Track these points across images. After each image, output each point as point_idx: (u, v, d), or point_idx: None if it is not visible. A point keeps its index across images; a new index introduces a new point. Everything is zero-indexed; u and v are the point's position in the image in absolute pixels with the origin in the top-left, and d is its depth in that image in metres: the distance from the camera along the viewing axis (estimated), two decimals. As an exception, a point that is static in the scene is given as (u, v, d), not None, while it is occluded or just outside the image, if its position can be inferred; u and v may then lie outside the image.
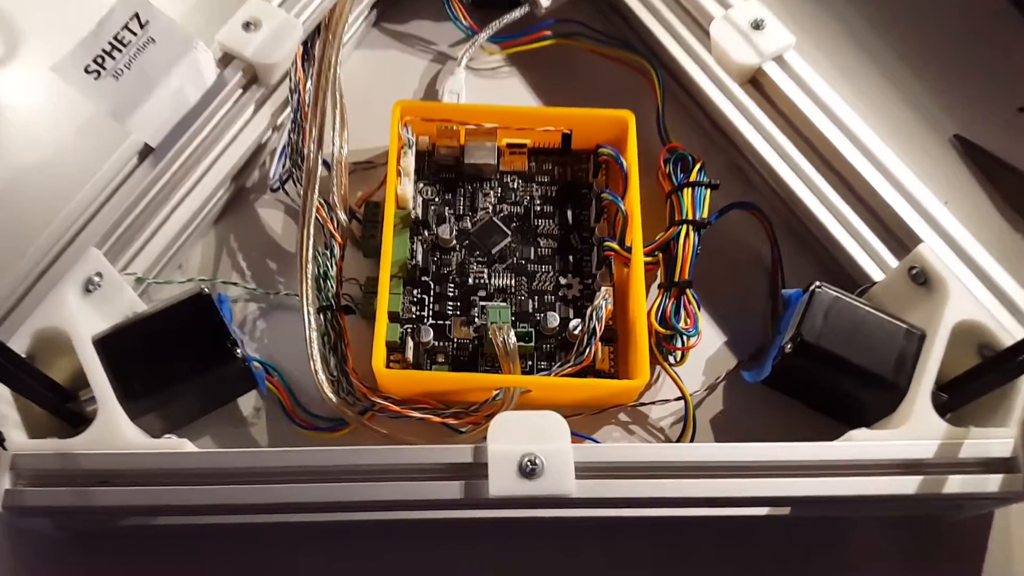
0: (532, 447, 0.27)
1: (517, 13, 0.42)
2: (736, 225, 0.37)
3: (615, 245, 0.35)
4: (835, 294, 0.31)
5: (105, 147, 0.34)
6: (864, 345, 0.30)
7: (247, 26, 0.35)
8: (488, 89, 0.43)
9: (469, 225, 0.37)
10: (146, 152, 0.33)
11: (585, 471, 0.27)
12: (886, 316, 0.31)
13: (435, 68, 0.44)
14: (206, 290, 0.31)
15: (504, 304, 0.34)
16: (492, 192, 0.38)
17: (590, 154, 0.39)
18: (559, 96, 0.42)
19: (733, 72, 0.37)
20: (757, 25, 0.37)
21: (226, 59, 0.35)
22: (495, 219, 0.37)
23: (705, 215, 0.35)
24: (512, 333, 0.32)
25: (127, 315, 0.31)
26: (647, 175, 0.36)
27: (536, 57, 0.43)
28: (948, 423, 0.28)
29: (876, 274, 0.34)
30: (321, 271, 0.34)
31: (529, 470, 0.26)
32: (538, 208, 0.38)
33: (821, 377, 0.31)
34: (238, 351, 0.30)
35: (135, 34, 0.32)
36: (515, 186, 0.38)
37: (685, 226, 0.34)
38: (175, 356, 0.30)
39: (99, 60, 0.31)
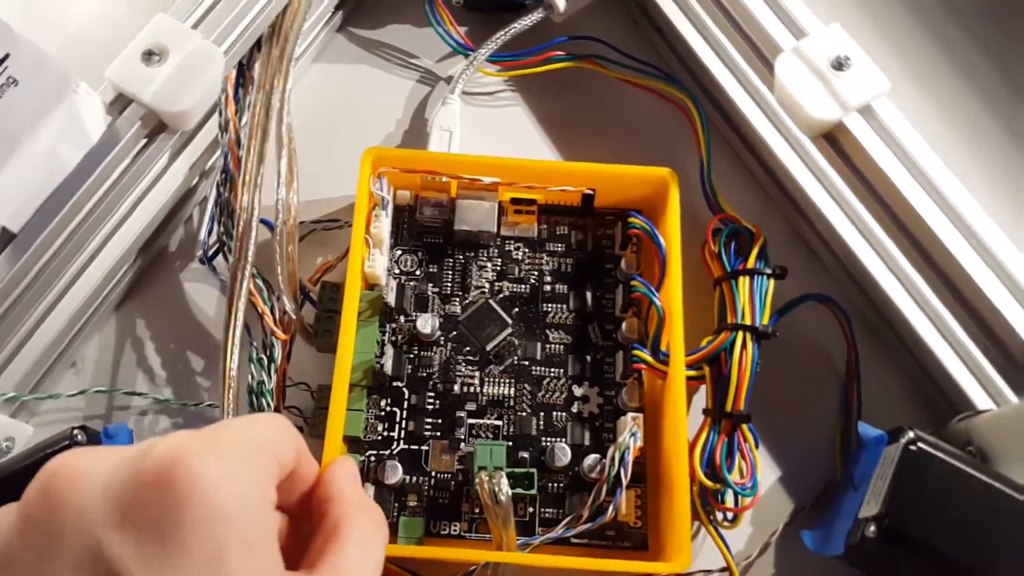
0: None
1: (528, 21, 0.33)
2: (799, 313, 0.29)
3: (647, 356, 0.26)
4: (936, 454, 0.23)
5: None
6: (974, 531, 0.22)
7: (148, 57, 0.25)
8: (483, 119, 0.34)
9: (459, 309, 0.29)
10: (6, 239, 0.24)
11: None
12: (1008, 490, 0.23)
13: (421, 90, 0.34)
14: (79, 434, 0.22)
15: (497, 443, 0.26)
16: (490, 264, 0.30)
17: (616, 217, 0.30)
18: (574, 131, 0.34)
19: (803, 124, 0.29)
20: (840, 64, 0.28)
21: (120, 103, 0.26)
22: (492, 302, 0.29)
23: (767, 318, 0.27)
24: (506, 482, 0.24)
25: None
26: (688, 243, 0.28)
27: (545, 79, 0.34)
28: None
29: (983, 401, 0.26)
30: (255, 382, 0.25)
31: None
32: (548, 288, 0.29)
33: (915, 571, 0.23)
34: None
35: None
36: (519, 256, 0.30)
37: (741, 333, 0.26)
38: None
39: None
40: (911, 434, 0.24)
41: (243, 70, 0.29)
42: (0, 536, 0.16)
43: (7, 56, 0.23)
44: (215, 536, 0.15)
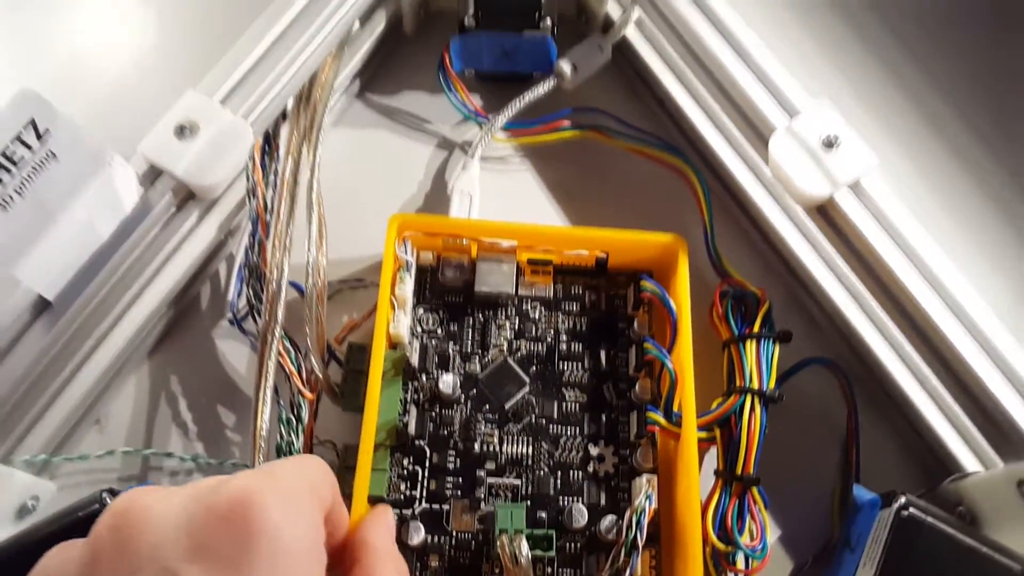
0: None
1: (540, 90, 0.35)
2: (800, 374, 0.30)
3: (660, 419, 0.28)
4: (927, 519, 0.25)
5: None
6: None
7: (181, 131, 0.27)
8: (497, 183, 0.35)
9: (478, 368, 0.30)
10: (41, 306, 0.25)
11: None
12: (994, 555, 0.25)
13: (438, 154, 0.36)
14: (108, 498, 0.22)
15: (517, 505, 0.27)
16: (508, 323, 0.31)
17: (628, 278, 0.32)
18: (583, 196, 0.35)
19: (796, 197, 0.31)
20: (830, 143, 0.31)
21: (152, 174, 0.27)
22: (510, 360, 0.30)
23: (773, 382, 0.28)
24: (526, 544, 0.25)
25: (12, 513, 0.23)
26: (696, 304, 0.29)
27: (555, 146, 0.35)
28: None
29: (972, 463, 0.28)
30: (284, 442, 0.26)
31: None
32: (564, 347, 0.31)
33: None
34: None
35: (30, 148, 0.23)
36: (536, 315, 0.31)
37: (750, 397, 0.28)
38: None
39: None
40: (903, 499, 0.25)
41: (269, 138, 0.30)
42: (68, 572, 0.16)
43: (47, 131, 0.24)
44: (282, 571, 0.16)
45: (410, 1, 0.36)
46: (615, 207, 0.35)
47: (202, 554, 0.15)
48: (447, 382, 0.29)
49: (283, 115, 0.31)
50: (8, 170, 0.22)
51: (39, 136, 0.24)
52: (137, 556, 0.16)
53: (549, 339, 0.31)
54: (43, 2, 0.38)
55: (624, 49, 0.36)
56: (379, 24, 0.36)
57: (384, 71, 0.37)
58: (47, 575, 0.16)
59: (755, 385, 0.28)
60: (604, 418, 0.29)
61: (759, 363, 0.28)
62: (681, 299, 0.29)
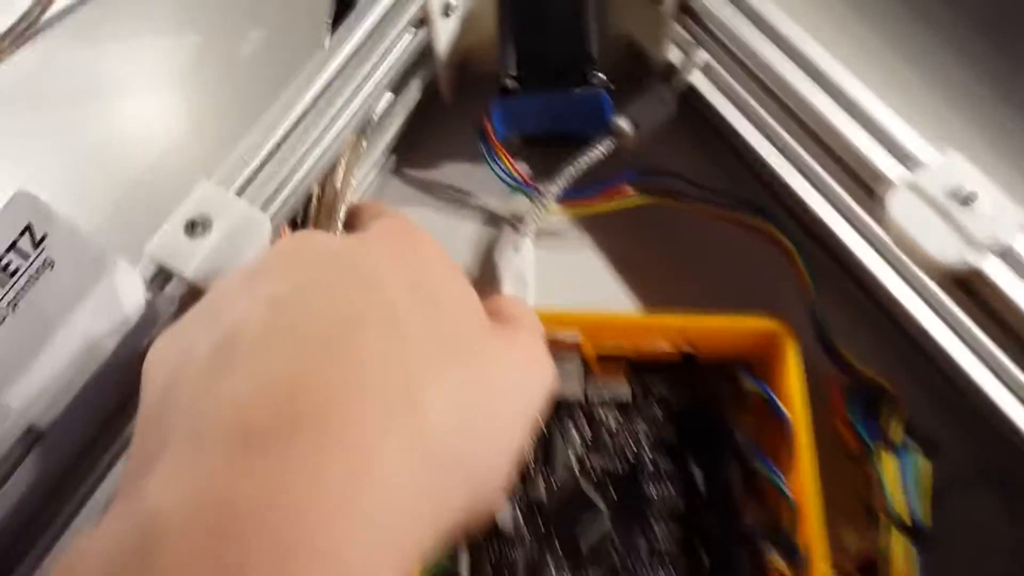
0: None
1: (598, 153, 0.30)
2: (952, 495, 0.24)
3: (781, 564, 0.22)
4: None
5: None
6: None
7: (192, 228, 0.23)
8: (554, 262, 0.31)
9: (542, 492, 0.25)
10: (33, 438, 0.21)
11: None
12: None
13: (484, 231, 0.32)
14: None
15: None
16: (577, 435, 0.26)
17: (719, 374, 0.26)
18: (653, 272, 0.30)
19: (927, 267, 0.25)
20: (966, 199, 0.25)
21: (161, 278, 0.23)
22: (583, 483, 0.25)
23: (926, 511, 0.22)
24: None
25: None
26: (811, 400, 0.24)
27: (615, 215, 0.30)
28: None
29: None
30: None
31: None
32: (649, 464, 0.25)
33: None
34: None
35: (27, 258, 0.20)
36: (611, 423, 0.26)
37: (897, 535, 0.21)
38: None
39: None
40: None
41: (295, 227, 0.27)
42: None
43: (44, 237, 0.21)
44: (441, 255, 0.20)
45: (446, 67, 0.32)
46: (696, 284, 0.30)
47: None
48: (505, 516, 0.23)
49: (309, 200, 0.27)
50: (2, 283, 0.19)
51: (36, 244, 0.20)
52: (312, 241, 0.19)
53: (629, 454, 0.25)
54: (64, 97, 0.36)
55: (690, 99, 0.32)
56: (413, 94, 0.32)
57: (421, 143, 0.33)
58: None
59: (899, 512, 0.22)
60: (705, 558, 0.24)
61: (904, 485, 0.22)
62: (795, 402, 0.24)
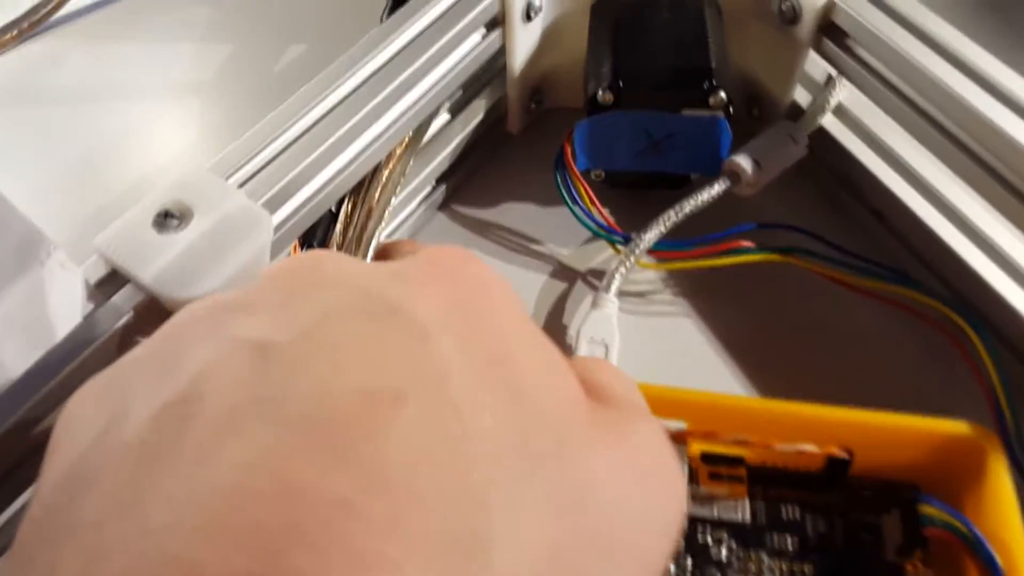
0: None
1: (708, 196, 0.23)
2: None
3: None
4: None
5: None
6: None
7: (163, 219, 0.16)
8: (643, 327, 0.24)
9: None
10: None
11: None
12: None
13: (555, 287, 0.25)
14: None
15: None
16: (672, 565, 0.18)
17: (879, 494, 0.18)
18: (777, 351, 0.23)
19: None
20: None
21: (111, 284, 0.16)
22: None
23: None
24: None
25: None
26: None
27: (722, 275, 0.24)
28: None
29: None
30: None
31: None
32: (785, 627, 0.17)
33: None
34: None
35: None
36: (723, 553, 0.18)
37: None
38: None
39: None
40: None
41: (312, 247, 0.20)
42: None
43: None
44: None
45: (518, 85, 0.27)
46: (828, 371, 0.22)
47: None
48: None
49: (335, 217, 0.21)
50: None
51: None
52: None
53: (760, 605, 0.17)
54: (66, 97, 0.32)
55: (818, 144, 0.25)
56: (475, 118, 0.27)
57: (479, 176, 0.27)
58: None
59: None
60: None
61: None
62: (1011, 539, 0.16)
